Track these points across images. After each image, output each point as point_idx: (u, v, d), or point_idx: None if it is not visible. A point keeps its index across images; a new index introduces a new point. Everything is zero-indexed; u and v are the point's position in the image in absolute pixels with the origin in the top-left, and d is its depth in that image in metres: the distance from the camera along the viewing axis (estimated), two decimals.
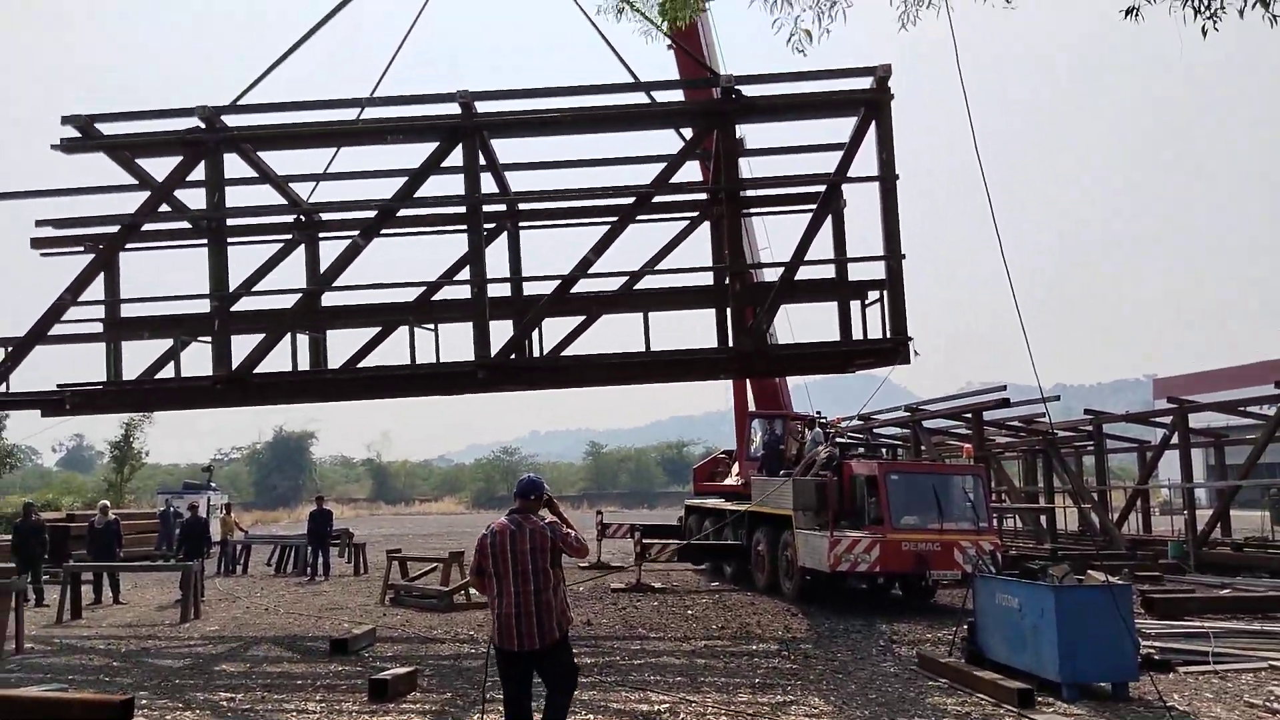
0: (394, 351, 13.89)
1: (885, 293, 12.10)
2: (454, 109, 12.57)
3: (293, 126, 13.05)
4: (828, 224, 12.99)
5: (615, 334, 14.83)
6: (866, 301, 12.87)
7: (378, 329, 14.25)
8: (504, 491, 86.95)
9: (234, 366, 12.73)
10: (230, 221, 13.37)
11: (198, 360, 13.85)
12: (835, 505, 14.68)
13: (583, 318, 13.92)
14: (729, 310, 13.14)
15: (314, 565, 21.93)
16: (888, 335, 12.05)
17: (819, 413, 18.85)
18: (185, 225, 14.58)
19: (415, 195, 13.20)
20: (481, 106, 12.63)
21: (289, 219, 15.10)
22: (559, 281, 12.80)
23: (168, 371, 13.68)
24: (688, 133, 13.61)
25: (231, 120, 12.96)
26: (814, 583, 15.32)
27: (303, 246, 15.16)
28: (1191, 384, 47.78)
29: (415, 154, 13.05)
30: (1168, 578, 17.52)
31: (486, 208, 13.56)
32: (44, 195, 14.10)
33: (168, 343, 13.88)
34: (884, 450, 20.98)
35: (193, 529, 18.62)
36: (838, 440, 17.19)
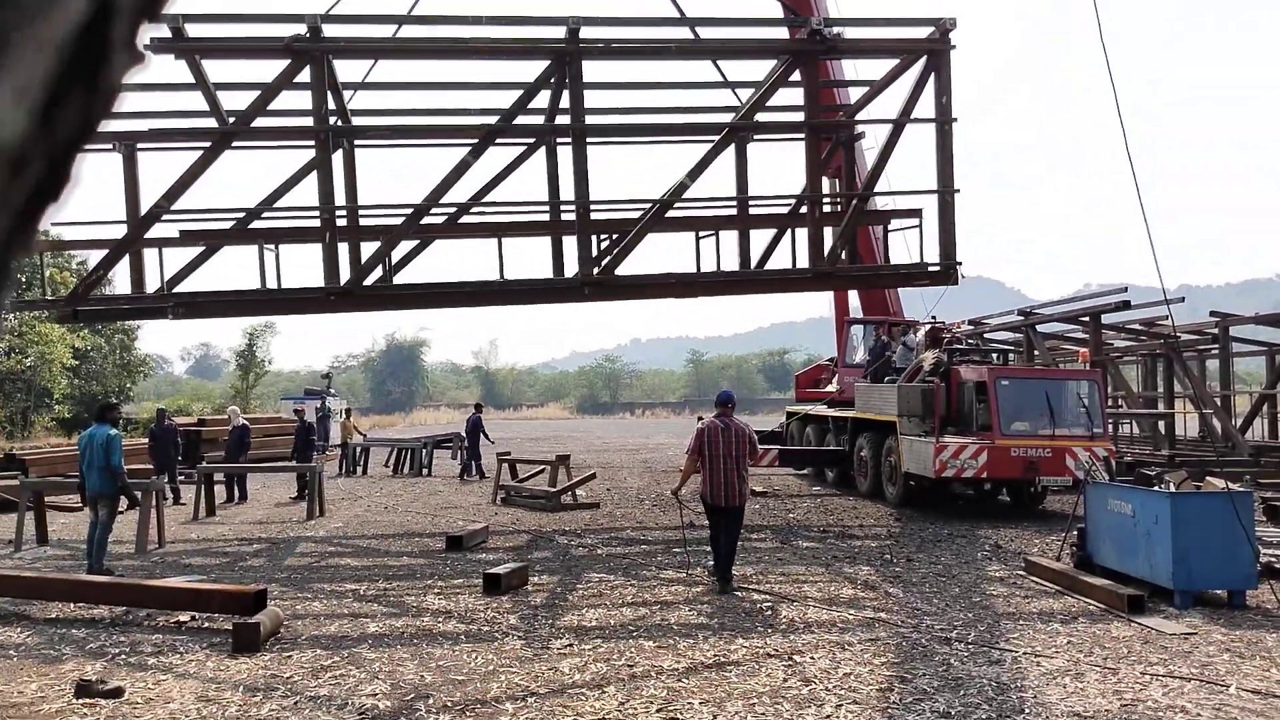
0: (431, 265, 14.43)
1: (939, 222, 13.56)
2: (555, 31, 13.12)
3: (407, 40, 13.45)
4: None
5: (646, 250, 15.37)
6: (889, 228, 15.25)
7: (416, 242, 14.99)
8: (606, 398, 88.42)
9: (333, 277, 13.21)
10: (263, 122, 13.74)
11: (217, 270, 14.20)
12: (941, 411, 14.47)
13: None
14: (808, 231, 14.20)
15: (467, 466, 22.82)
16: (934, 259, 13.73)
17: (934, 317, 18.40)
18: (206, 126, 14.32)
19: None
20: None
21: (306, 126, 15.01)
22: (657, 204, 13.66)
23: (228, 281, 13.90)
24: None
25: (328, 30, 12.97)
26: (918, 488, 15.25)
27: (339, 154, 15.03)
28: None
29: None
30: None
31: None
32: None
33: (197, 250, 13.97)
34: (994, 355, 20.44)
35: (299, 434, 19.28)
36: (951, 345, 16.80)
